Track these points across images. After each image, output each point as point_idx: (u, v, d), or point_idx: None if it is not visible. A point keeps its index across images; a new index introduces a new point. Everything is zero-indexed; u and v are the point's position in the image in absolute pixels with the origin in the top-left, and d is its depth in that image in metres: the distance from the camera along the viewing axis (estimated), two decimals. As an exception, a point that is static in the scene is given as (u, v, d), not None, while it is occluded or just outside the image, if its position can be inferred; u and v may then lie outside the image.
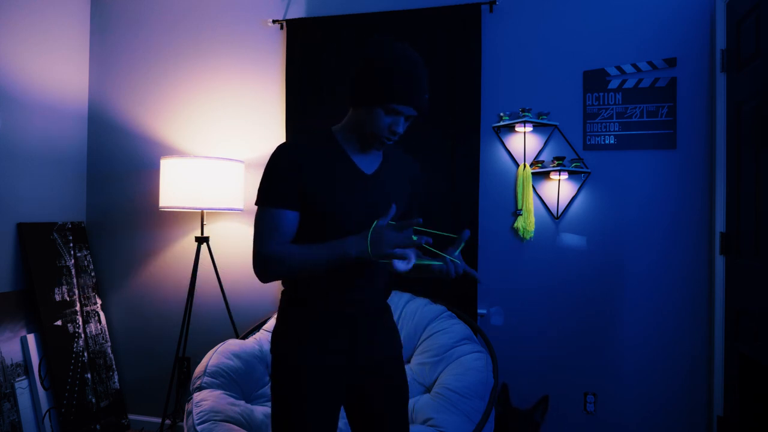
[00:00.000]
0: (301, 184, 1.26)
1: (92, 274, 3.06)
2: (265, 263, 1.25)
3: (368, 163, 1.34)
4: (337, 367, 1.33)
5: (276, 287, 2.89)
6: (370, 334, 1.36)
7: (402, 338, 2.31)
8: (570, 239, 2.58)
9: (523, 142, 2.61)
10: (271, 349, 1.38)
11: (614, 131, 2.53)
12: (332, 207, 1.28)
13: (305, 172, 1.26)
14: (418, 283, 2.59)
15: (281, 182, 1.26)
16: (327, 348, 1.32)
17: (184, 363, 2.85)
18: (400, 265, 1.20)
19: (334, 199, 1.28)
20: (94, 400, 2.84)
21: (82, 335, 2.88)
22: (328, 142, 1.33)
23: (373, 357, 1.37)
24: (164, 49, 3.10)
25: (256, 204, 1.30)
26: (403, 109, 1.23)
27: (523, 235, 2.59)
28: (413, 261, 1.21)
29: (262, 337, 2.55)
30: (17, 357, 2.60)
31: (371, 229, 1.18)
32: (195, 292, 2.90)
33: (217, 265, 2.91)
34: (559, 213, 2.59)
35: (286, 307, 1.38)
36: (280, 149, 1.29)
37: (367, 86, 1.23)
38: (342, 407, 1.42)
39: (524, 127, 2.58)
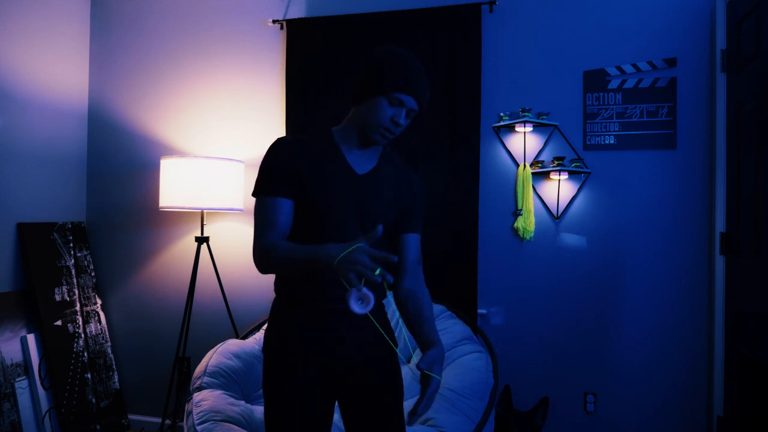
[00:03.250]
0: (295, 175, 1.29)
1: (92, 274, 3.06)
2: (258, 255, 1.27)
3: (362, 164, 1.36)
4: (322, 365, 1.33)
5: (276, 287, 2.89)
6: (357, 333, 1.36)
7: (402, 338, 2.33)
8: (570, 239, 2.58)
9: (523, 142, 2.61)
10: (262, 348, 1.39)
11: (614, 131, 2.53)
12: (321, 201, 1.30)
13: (298, 165, 1.29)
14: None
15: (276, 173, 1.29)
16: (312, 347, 1.32)
17: (184, 363, 2.85)
18: (356, 308, 1.08)
19: (323, 195, 1.30)
20: (94, 400, 2.84)
21: (82, 335, 2.88)
22: (324, 140, 1.35)
23: (361, 356, 1.37)
24: (164, 49, 3.10)
25: (252, 195, 1.33)
26: (406, 99, 1.25)
27: (523, 235, 2.59)
28: (371, 305, 1.09)
29: (262, 337, 2.55)
30: (17, 357, 2.60)
31: (352, 248, 1.08)
32: (195, 292, 2.90)
33: (217, 265, 2.91)
34: (559, 213, 2.59)
35: (274, 307, 1.40)
36: (276, 143, 1.33)
37: (371, 78, 1.26)
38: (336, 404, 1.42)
39: (524, 127, 2.58)
